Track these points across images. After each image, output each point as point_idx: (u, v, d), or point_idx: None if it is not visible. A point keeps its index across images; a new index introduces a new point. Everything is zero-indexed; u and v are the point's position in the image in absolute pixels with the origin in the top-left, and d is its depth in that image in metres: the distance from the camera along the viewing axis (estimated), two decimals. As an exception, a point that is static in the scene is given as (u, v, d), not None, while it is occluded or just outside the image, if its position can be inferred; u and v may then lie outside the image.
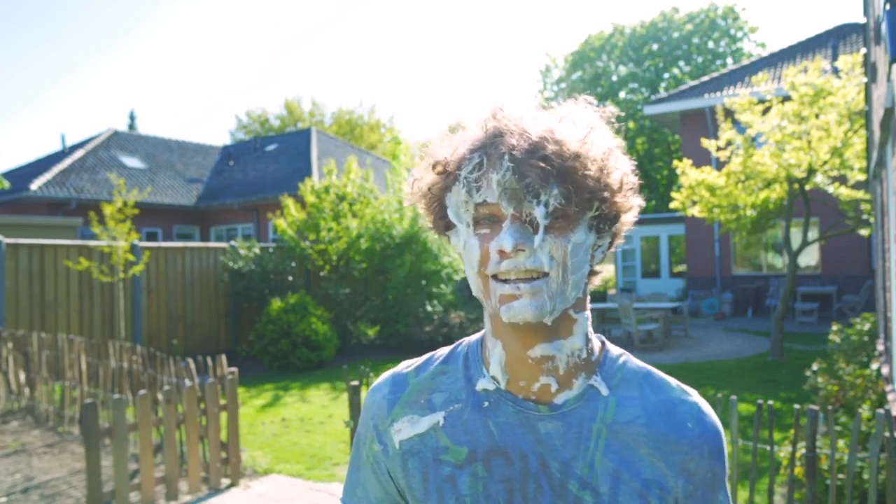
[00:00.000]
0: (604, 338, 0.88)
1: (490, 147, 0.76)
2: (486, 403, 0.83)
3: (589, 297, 0.84)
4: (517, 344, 0.80)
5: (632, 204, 0.81)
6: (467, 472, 0.81)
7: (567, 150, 0.75)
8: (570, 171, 0.74)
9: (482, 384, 0.84)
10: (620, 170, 0.80)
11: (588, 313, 0.83)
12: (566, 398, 0.81)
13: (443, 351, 0.92)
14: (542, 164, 0.72)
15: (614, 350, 0.87)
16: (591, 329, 0.84)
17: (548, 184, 0.73)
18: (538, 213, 0.73)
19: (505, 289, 0.75)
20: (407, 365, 0.93)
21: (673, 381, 0.85)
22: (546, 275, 0.75)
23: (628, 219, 0.83)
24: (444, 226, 0.83)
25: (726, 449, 0.83)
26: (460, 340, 0.92)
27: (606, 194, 0.77)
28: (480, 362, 0.87)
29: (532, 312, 0.74)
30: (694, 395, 0.84)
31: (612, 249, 0.85)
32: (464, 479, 0.81)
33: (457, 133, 0.83)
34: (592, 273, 0.83)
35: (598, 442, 0.79)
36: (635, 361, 0.86)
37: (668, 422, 0.80)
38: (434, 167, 0.82)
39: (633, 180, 0.81)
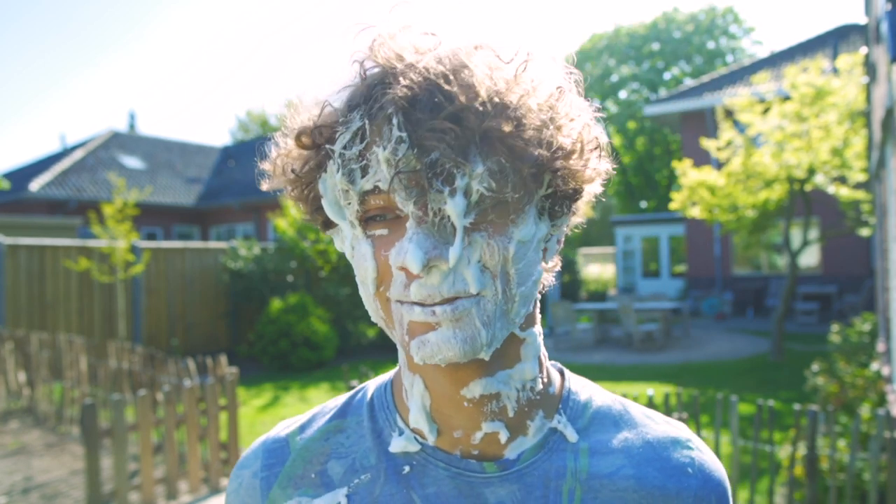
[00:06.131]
0: (561, 365, 0.66)
1: (373, 101, 0.49)
2: (408, 468, 0.58)
3: (539, 307, 0.60)
4: (445, 381, 0.56)
5: (597, 170, 0.56)
6: None
7: (493, 96, 0.48)
8: (499, 132, 0.47)
9: (398, 445, 0.59)
10: (578, 120, 0.54)
11: (539, 328, 0.60)
12: (521, 449, 0.58)
13: (334, 402, 0.67)
14: (453, 126, 0.46)
15: (576, 381, 0.65)
16: (544, 351, 0.61)
17: (466, 157, 0.47)
18: (453, 207, 0.48)
19: (415, 313, 0.51)
20: (286, 425, 0.66)
21: (655, 414, 0.65)
22: (473, 296, 0.50)
23: (592, 190, 0.58)
24: (324, 222, 0.57)
25: (728, 489, 0.63)
26: (360, 386, 0.67)
27: (560, 161, 0.51)
28: (393, 411, 0.62)
29: (458, 349, 0.50)
30: (686, 432, 0.63)
31: (568, 232, 0.62)
32: None
33: (331, 75, 0.54)
34: (540, 276, 0.57)
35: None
36: (605, 394, 0.65)
37: (661, 469, 0.59)
38: (298, 138, 0.53)
39: (597, 133, 0.57)
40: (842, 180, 10.03)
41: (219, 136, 78.77)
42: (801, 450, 3.52)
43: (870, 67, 7.53)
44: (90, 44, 70.74)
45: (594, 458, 0.59)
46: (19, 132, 75.72)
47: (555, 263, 0.59)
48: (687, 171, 10.45)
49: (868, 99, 8.00)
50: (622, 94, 32.50)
